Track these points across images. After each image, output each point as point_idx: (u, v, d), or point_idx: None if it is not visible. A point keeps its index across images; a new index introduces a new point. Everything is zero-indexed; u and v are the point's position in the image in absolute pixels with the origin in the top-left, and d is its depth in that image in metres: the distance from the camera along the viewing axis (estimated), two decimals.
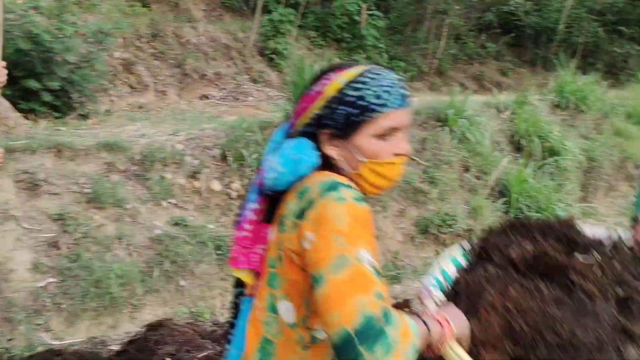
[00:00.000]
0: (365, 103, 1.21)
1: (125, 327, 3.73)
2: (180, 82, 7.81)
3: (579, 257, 1.38)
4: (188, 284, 4.17)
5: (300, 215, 1.18)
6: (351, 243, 1.11)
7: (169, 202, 4.62)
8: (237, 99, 7.92)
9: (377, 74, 1.24)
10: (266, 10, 9.03)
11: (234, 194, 4.92)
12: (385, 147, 1.24)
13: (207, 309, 4.06)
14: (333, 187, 1.17)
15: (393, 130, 1.24)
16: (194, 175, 4.87)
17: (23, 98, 5.46)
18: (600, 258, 1.38)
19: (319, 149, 1.26)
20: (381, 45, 9.95)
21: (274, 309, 1.25)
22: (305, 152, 1.24)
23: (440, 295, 1.38)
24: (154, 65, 7.68)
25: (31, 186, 4.11)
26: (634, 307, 1.28)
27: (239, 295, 1.39)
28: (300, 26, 9.40)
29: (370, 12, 9.99)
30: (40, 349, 3.32)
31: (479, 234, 1.52)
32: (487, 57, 11.66)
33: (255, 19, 8.85)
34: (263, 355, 1.26)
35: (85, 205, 4.20)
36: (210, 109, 7.27)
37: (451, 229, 5.51)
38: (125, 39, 7.62)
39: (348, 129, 1.23)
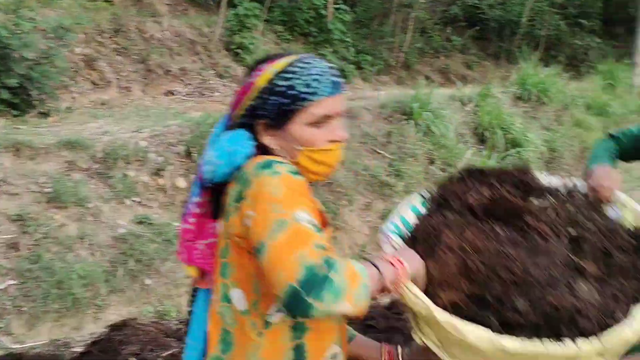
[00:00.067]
0: (295, 92, 1.23)
1: (89, 328, 3.68)
2: (145, 78, 7.69)
3: (534, 201, 1.42)
4: (153, 283, 4.14)
5: (239, 197, 1.20)
6: (287, 207, 1.13)
7: (133, 200, 4.57)
8: (203, 95, 7.85)
9: (307, 62, 1.26)
10: (232, 4, 8.95)
11: None
12: (319, 134, 1.26)
13: (174, 307, 4.03)
14: (267, 165, 1.20)
15: (326, 117, 1.26)
16: (158, 172, 4.83)
17: None
18: (555, 202, 1.42)
19: (256, 139, 1.28)
20: (348, 39, 9.97)
21: (227, 298, 1.27)
22: (240, 143, 1.26)
23: (398, 241, 1.39)
24: (116, 61, 7.54)
25: None
26: (586, 245, 1.32)
27: (195, 288, 1.41)
28: (266, 20, 9.35)
29: (337, 6, 10.00)
30: (0, 353, 3.26)
31: (439, 183, 1.54)
32: (452, 51, 11.80)
33: (220, 13, 8.77)
34: (224, 346, 1.28)
35: (46, 205, 4.12)
36: (175, 105, 7.19)
37: None
38: (86, 34, 7.46)
39: (281, 119, 1.26)
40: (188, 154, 5.02)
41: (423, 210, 1.50)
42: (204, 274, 1.36)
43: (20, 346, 3.39)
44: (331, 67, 1.28)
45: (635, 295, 1.25)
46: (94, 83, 7.19)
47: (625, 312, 1.22)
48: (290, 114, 1.25)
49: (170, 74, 7.96)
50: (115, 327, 3.27)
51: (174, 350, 3.04)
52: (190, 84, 8.00)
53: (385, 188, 5.76)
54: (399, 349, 1.46)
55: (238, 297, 1.26)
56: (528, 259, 1.25)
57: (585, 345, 1.17)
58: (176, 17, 8.85)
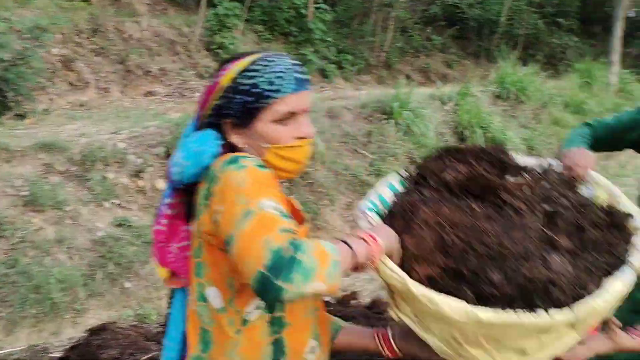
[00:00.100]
0: (258, 90, 1.24)
1: (67, 333, 3.64)
2: (124, 79, 7.62)
3: (510, 178, 1.45)
4: (133, 286, 4.11)
5: (208, 195, 1.21)
6: (252, 197, 1.13)
7: (112, 203, 4.53)
8: (183, 95, 7.80)
9: (270, 60, 1.26)
10: (211, 3, 8.91)
11: None
12: (285, 131, 1.27)
13: (154, 310, 4.00)
14: (233, 160, 1.20)
15: (291, 114, 1.27)
16: (137, 174, 4.79)
17: None
18: (530, 179, 1.45)
19: (225, 138, 1.29)
20: (329, 38, 9.99)
21: (203, 298, 1.27)
22: (206, 143, 1.26)
23: (375, 217, 1.40)
24: (95, 61, 7.46)
25: None
26: (560, 220, 1.34)
27: (173, 289, 1.41)
28: (246, 20, 9.32)
29: (317, 5, 10.01)
30: None
31: (417, 162, 1.56)
32: (432, 50, 11.89)
33: (200, 12, 8.72)
34: (204, 346, 1.28)
35: (23, 209, 4.07)
36: (155, 106, 7.14)
37: None
38: (63, 34, 7.37)
39: (246, 117, 1.26)
40: (168, 155, 4.98)
41: (401, 189, 1.51)
42: (174, 274, 1.37)
43: None
44: (295, 64, 1.28)
45: (607, 268, 1.27)
46: (71, 84, 7.10)
47: (598, 285, 1.23)
48: (255, 111, 1.25)
49: (149, 74, 7.90)
50: (94, 332, 3.23)
51: (153, 353, 3.02)
52: (170, 85, 7.95)
53: (366, 187, 5.77)
54: (390, 330, 1.46)
55: (214, 296, 1.26)
56: (503, 234, 1.26)
57: (558, 315, 1.18)
58: (155, 17, 8.78)
